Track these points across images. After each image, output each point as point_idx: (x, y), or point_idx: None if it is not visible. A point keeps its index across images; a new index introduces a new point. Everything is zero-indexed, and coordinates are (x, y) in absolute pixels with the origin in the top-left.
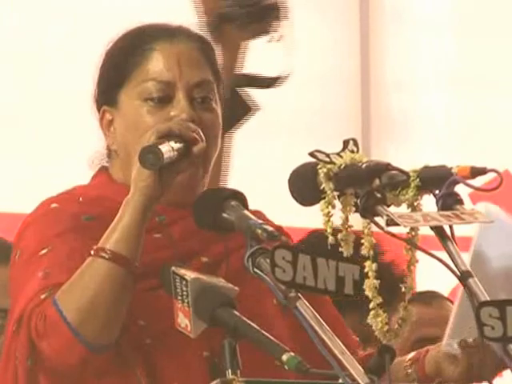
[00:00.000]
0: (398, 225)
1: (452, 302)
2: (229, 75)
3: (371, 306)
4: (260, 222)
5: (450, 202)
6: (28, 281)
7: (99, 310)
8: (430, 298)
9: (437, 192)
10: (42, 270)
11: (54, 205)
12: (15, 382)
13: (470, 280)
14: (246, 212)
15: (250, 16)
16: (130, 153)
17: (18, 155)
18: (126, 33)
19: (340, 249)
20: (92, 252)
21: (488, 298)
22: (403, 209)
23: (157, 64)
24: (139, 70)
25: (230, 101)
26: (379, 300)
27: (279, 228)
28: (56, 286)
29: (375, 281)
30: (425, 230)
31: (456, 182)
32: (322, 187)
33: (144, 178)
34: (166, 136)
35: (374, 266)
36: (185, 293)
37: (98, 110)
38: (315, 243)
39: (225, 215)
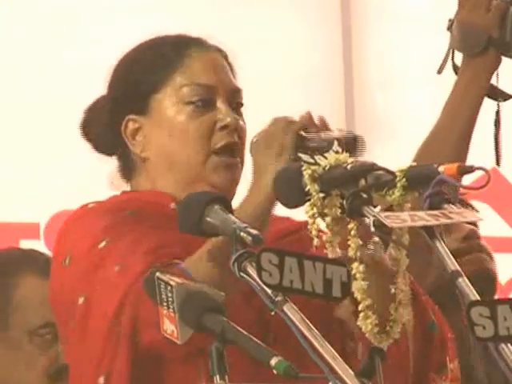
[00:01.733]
0: (385, 225)
1: None
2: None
3: (360, 308)
4: (244, 225)
5: (437, 201)
6: (95, 273)
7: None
8: None
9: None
10: (117, 264)
11: (91, 204)
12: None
13: (460, 279)
14: (229, 215)
15: None
16: (172, 158)
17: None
18: (150, 43)
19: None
20: None
21: (478, 298)
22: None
23: (196, 69)
24: (178, 75)
25: None
26: (368, 302)
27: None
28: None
29: (363, 282)
30: None
31: (443, 181)
32: (306, 189)
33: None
34: None
35: (362, 267)
36: (170, 299)
37: (117, 121)
38: None
39: (209, 219)
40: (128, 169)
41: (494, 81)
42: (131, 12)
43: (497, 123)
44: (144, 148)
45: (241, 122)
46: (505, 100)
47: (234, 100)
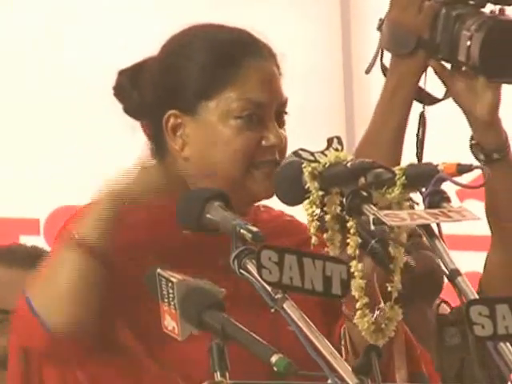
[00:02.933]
0: (384, 223)
1: (444, 301)
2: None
3: (358, 306)
4: (244, 222)
5: (436, 199)
6: None
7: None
8: None
9: (423, 190)
10: None
11: None
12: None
13: (459, 278)
14: (230, 212)
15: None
16: (211, 167)
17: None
18: (207, 38)
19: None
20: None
21: (477, 297)
22: None
23: (251, 83)
24: (231, 87)
25: None
26: (366, 300)
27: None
28: None
29: (361, 281)
30: None
31: (442, 180)
32: (306, 186)
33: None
34: None
35: (360, 265)
36: (171, 295)
37: (159, 108)
38: None
39: (209, 216)
40: (162, 155)
41: (422, 83)
42: (131, 11)
43: (422, 125)
44: (184, 147)
45: (284, 140)
46: (431, 104)
47: (281, 110)
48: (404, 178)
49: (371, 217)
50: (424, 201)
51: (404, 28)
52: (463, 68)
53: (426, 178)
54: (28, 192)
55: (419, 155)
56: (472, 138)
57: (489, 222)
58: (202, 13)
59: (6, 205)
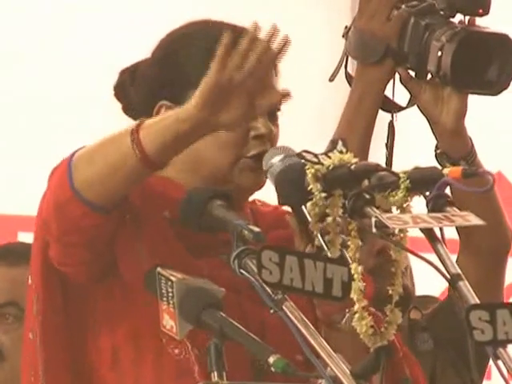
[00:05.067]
0: (386, 226)
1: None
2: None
3: (356, 308)
4: (246, 222)
5: (440, 203)
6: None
7: (106, 179)
8: (426, 302)
9: (427, 194)
10: None
11: None
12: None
13: (460, 283)
14: (232, 212)
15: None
16: (199, 158)
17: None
18: (201, 34)
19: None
20: (131, 134)
21: (478, 301)
22: None
23: None
24: None
25: None
26: (364, 303)
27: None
28: None
29: (360, 283)
30: (414, 232)
31: (447, 184)
32: (309, 188)
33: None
34: None
35: (360, 268)
36: (170, 294)
37: (151, 99)
38: None
39: (210, 215)
40: None
41: (389, 91)
42: (132, 5)
43: (391, 134)
44: None
45: (274, 131)
46: (396, 112)
47: (274, 108)
48: (408, 181)
49: (373, 219)
50: (428, 204)
51: (372, 36)
52: (429, 76)
53: (430, 181)
54: (26, 189)
55: (389, 163)
56: (437, 147)
57: (456, 227)
58: (203, 14)
59: (4, 201)
